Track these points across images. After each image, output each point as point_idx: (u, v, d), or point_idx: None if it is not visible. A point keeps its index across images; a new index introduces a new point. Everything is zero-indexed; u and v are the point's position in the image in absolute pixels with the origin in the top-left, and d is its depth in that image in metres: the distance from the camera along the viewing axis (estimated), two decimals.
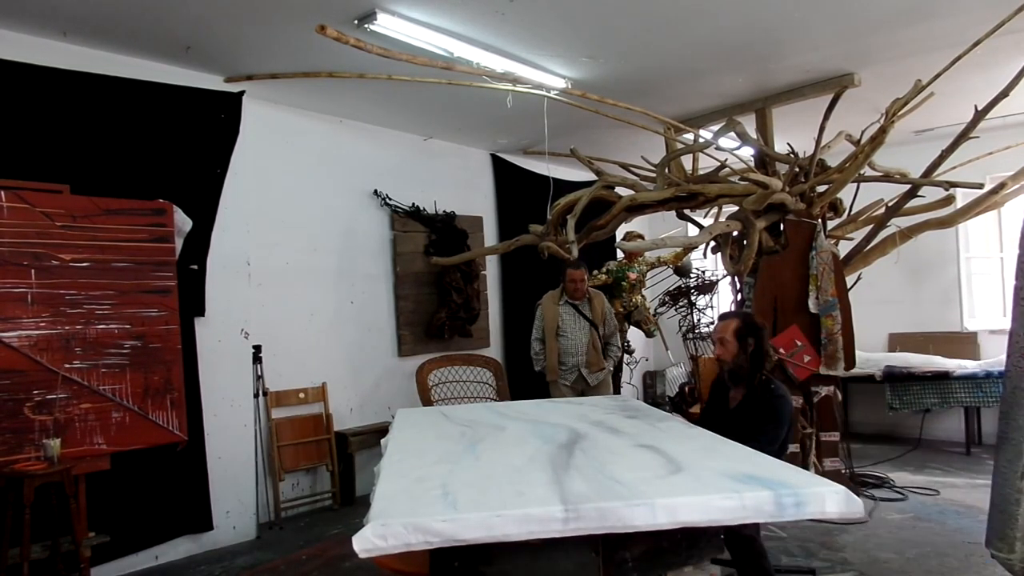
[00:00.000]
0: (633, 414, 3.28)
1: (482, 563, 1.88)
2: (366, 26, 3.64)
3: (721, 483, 1.95)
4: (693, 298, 6.52)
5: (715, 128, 5.35)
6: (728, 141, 5.30)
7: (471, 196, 6.60)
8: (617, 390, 6.42)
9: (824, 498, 1.87)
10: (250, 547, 4.40)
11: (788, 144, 5.06)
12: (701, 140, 5.23)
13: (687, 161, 5.47)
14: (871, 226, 5.17)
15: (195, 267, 4.21)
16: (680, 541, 2.04)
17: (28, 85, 3.60)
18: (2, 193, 3.23)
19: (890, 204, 5.09)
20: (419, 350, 5.95)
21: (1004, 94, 4.22)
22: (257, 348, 4.69)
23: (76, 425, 3.33)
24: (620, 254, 6.92)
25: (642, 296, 6.61)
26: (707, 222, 5.37)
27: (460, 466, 2.31)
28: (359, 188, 5.68)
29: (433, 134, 6.15)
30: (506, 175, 6.91)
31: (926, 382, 5.89)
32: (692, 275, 6.51)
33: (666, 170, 4.89)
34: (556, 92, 4.80)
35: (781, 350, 4.70)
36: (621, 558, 1.95)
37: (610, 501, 1.81)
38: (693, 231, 6.20)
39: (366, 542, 1.69)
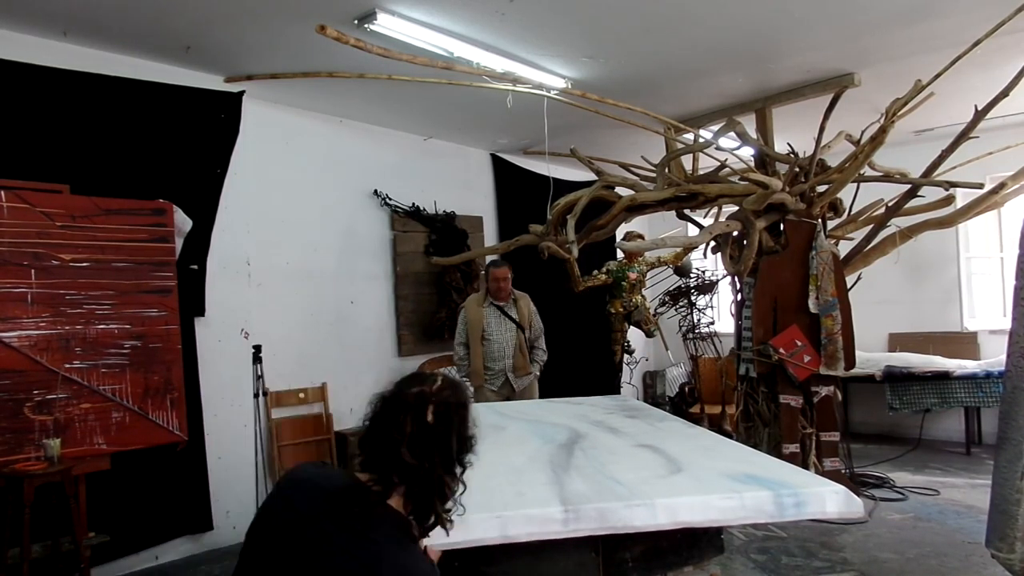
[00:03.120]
0: (633, 414, 3.29)
1: (482, 563, 1.89)
2: (366, 26, 3.64)
3: (721, 483, 1.96)
4: (693, 298, 6.52)
5: (715, 128, 5.34)
6: (728, 141, 5.29)
7: (471, 196, 6.60)
8: (616, 390, 6.43)
9: (824, 498, 1.87)
10: None
11: (788, 144, 5.05)
12: (701, 140, 5.22)
13: (687, 161, 5.46)
14: (871, 226, 5.16)
15: (195, 267, 4.21)
16: (680, 541, 2.04)
17: (28, 85, 3.60)
18: (2, 193, 3.23)
19: (890, 204, 5.08)
20: (419, 350, 5.94)
21: (1004, 94, 4.21)
22: (257, 348, 4.69)
23: (76, 425, 3.34)
24: (620, 254, 6.92)
25: (642, 296, 6.61)
26: (707, 222, 5.36)
27: None
28: (359, 188, 5.68)
29: (433, 134, 6.14)
30: (506, 175, 6.91)
31: (926, 382, 5.88)
32: (692, 275, 6.51)
33: (666, 170, 4.89)
34: (556, 92, 4.79)
35: (781, 350, 4.70)
36: (621, 558, 1.95)
37: (610, 501, 1.82)
38: (693, 231, 6.19)
39: None
